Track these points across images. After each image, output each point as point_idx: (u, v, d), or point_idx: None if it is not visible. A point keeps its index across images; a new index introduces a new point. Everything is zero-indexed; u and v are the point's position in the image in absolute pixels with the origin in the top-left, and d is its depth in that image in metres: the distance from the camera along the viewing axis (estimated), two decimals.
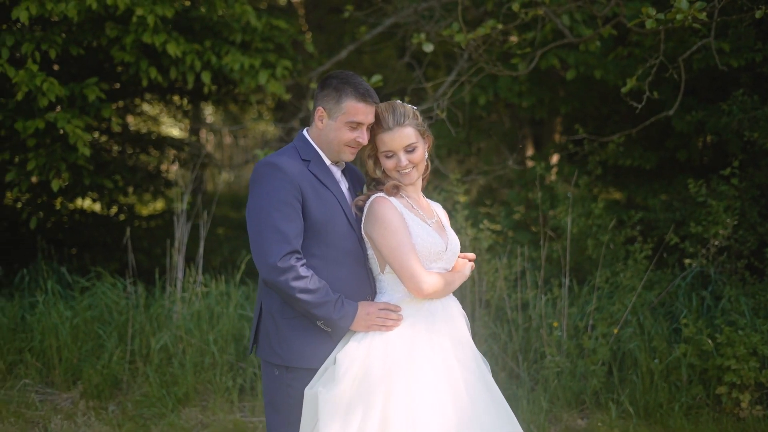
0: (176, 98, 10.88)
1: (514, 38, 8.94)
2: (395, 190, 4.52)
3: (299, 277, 4.15)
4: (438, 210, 4.81)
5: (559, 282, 8.03)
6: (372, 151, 4.56)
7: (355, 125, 4.39)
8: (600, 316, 7.69)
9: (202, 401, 7.37)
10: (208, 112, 19.72)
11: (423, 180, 4.70)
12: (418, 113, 4.54)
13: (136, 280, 8.26)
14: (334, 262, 4.36)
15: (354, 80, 4.40)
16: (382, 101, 4.54)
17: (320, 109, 4.41)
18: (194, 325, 7.67)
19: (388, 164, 4.51)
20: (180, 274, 8.16)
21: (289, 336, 4.32)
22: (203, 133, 20.06)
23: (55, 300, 7.96)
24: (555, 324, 7.57)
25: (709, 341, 7.17)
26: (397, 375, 4.26)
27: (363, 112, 4.37)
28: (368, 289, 4.49)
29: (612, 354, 7.54)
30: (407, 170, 4.50)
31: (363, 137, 4.41)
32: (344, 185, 4.54)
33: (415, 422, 4.20)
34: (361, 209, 4.53)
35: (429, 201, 4.79)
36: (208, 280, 8.22)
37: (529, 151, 12.88)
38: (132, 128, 12.07)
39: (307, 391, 4.29)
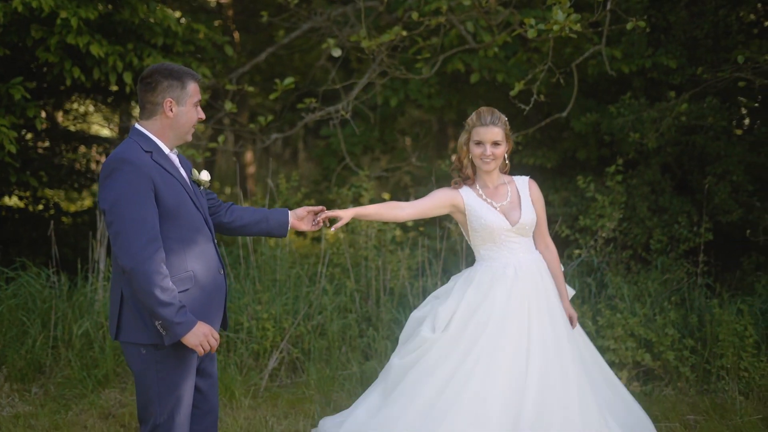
0: (100, 98, 11.20)
1: (421, 44, 9.46)
2: (457, 186, 5.78)
3: (159, 272, 4.38)
4: (519, 186, 5.80)
5: (458, 270, 8.56)
6: (466, 140, 5.69)
7: (197, 103, 4.75)
8: None
9: (122, 383, 7.76)
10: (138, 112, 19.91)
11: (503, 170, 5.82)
12: (507, 122, 5.68)
13: (59, 270, 8.61)
14: (189, 241, 4.64)
15: (182, 67, 4.74)
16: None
17: (169, 99, 4.65)
18: None
19: (476, 151, 5.64)
20: (102, 265, 8.54)
21: None
22: None
23: None
24: None
25: (590, 323, 7.78)
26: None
27: (199, 90, 4.79)
28: (218, 261, 4.84)
29: None
30: (488, 160, 5.61)
31: (202, 113, 4.81)
32: (183, 171, 4.83)
33: None
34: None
35: (514, 178, 5.82)
36: None
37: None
38: (62, 127, 12.34)
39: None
